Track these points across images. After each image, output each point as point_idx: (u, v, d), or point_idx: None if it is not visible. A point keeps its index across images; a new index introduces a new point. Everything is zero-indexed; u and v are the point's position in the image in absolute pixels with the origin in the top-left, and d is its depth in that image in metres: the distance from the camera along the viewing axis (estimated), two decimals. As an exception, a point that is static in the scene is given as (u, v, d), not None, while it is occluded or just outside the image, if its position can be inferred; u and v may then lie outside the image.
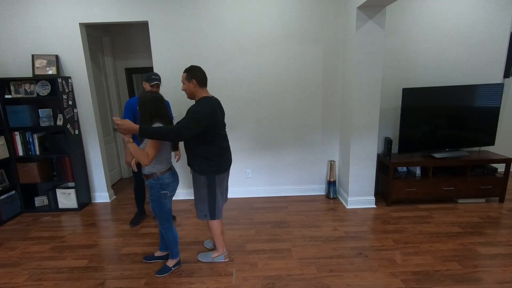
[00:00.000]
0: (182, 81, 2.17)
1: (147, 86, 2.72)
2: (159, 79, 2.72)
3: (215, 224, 2.31)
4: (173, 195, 2.20)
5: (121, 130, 1.86)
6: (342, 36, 3.34)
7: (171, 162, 2.20)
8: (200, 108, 2.05)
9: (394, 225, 2.91)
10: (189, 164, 2.24)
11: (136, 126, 1.86)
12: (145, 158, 1.92)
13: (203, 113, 2.02)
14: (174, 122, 2.15)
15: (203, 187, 2.20)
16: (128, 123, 1.86)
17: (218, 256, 2.40)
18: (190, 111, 2.04)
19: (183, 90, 2.18)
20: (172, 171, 2.16)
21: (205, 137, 2.11)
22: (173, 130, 1.92)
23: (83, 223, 3.20)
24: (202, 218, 2.29)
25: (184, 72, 2.15)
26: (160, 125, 1.97)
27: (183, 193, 3.73)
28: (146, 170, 2.08)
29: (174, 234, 2.26)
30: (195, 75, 2.12)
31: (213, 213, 2.26)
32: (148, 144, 1.96)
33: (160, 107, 2.01)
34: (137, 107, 1.96)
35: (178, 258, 2.35)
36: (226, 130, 2.31)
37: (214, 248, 2.56)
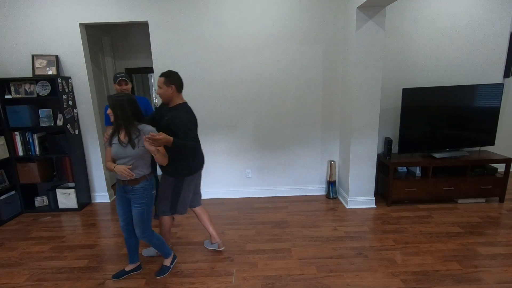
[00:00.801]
0: (158, 85, 2.17)
1: (116, 87, 2.75)
2: (124, 75, 2.75)
3: (165, 220, 2.36)
4: None
5: (160, 143, 1.89)
6: (342, 36, 3.34)
7: None
8: (190, 117, 2.15)
9: (394, 225, 2.91)
10: (161, 167, 2.23)
11: (171, 139, 1.95)
12: (166, 158, 2.05)
13: (194, 122, 2.17)
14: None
15: (169, 187, 2.24)
16: (166, 136, 1.91)
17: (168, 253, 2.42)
18: (184, 122, 2.08)
19: (158, 94, 2.19)
20: None
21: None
22: (194, 145, 2.11)
23: (83, 223, 3.20)
24: (160, 215, 2.34)
25: (162, 76, 2.15)
26: (141, 125, 1.98)
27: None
28: (139, 174, 1.99)
29: (157, 236, 2.18)
30: (174, 81, 2.15)
31: (174, 209, 2.30)
32: (162, 149, 2.01)
33: (136, 107, 1.97)
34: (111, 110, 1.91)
35: (172, 254, 2.34)
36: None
37: (223, 246, 2.59)
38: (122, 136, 1.95)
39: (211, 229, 2.53)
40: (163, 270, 2.28)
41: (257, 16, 3.29)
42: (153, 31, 3.30)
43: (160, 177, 2.33)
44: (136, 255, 2.28)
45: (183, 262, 2.42)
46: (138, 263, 2.32)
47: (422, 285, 2.07)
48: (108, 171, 2.31)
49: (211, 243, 2.58)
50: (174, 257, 2.37)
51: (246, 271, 2.28)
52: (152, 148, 1.88)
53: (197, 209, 2.51)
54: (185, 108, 2.20)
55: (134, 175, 1.95)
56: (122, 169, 1.90)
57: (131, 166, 1.95)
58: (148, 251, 2.55)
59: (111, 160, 2.02)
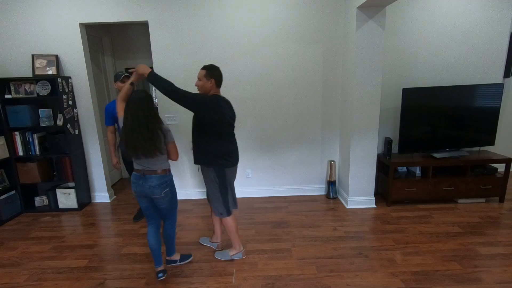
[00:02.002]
0: (198, 77, 2.18)
1: (119, 84, 2.79)
2: (126, 75, 2.81)
3: (229, 221, 2.33)
4: None
5: (137, 70, 2.07)
6: (342, 36, 3.34)
7: None
8: (202, 96, 2.12)
9: (394, 225, 2.91)
10: (196, 161, 2.26)
11: (148, 69, 2.07)
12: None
13: (201, 98, 2.09)
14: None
15: (213, 182, 2.23)
16: (143, 66, 2.08)
17: (236, 254, 2.41)
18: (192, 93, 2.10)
19: (196, 86, 2.20)
20: None
21: (210, 134, 2.14)
22: (172, 85, 2.05)
23: (83, 223, 3.20)
24: (218, 216, 2.34)
25: (204, 69, 2.17)
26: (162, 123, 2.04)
27: (183, 193, 3.72)
28: (166, 165, 2.08)
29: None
30: (214, 75, 2.16)
31: (228, 210, 2.29)
32: (173, 145, 2.07)
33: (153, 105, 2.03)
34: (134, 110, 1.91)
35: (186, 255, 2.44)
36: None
37: (221, 248, 2.57)
38: None
39: (217, 228, 2.54)
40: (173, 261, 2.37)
41: (257, 16, 3.29)
42: (153, 31, 3.30)
43: (202, 174, 2.30)
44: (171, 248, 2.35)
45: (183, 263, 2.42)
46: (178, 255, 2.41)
47: (422, 285, 2.07)
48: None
49: (211, 241, 2.59)
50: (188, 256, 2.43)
51: (246, 271, 2.28)
52: (134, 77, 2.07)
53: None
54: (214, 95, 2.15)
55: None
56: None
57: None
58: (221, 255, 2.45)
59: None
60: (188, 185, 3.72)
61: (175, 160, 2.14)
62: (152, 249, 2.17)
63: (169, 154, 2.09)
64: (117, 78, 2.82)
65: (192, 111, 2.12)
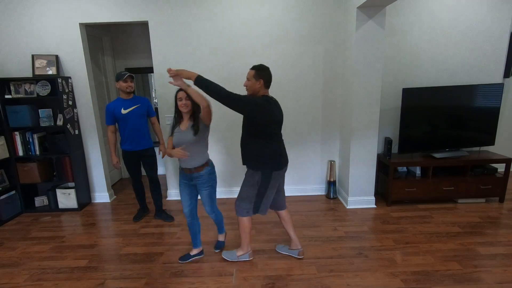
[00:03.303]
0: (247, 77, 2.15)
1: (121, 84, 2.82)
2: (130, 74, 2.85)
3: (246, 221, 2.28)
4: None
5: (182, 75, 2.00)
6: (342, 36, 3.34)
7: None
8: (253, 98, 2.06)
9: (394, 225, 2.91)
10: (244, 162, 2.22)
11: (194, 73, 1.99)
12: (203, 98, 2.07)
13: (252, 101, 2.02)
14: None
15: (254, 185, 2.18)
16: (185, 70, 2.02)
17: (243, 254, 2.39)
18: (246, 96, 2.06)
19: (245, 86, 2.17)
20: None
21: (261, 135, 2.11)
22: (223, 90, 1.95)
23: (83, 223, 3.20)
24: (243, 215, 2.27)
25: (253, 69, 2.13)
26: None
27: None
28: (204, 159, 2.24)
29: (220, 213, 2.52)
30: (263, 76, 2.12)
31: (257, 208, 2.25)
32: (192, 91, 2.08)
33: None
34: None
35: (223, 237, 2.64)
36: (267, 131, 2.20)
37: (302, 255, 2.45)
38: (184, 125, 2.20)
39: (293, 234, 2.43)
40: (219, 245, 2.59)
41: (257, 16, 3.29)
42: (153, 31, 3.30)
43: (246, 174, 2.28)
44: (198, 240, 2.46)
45: (183, 262, 2.41)
46: (201, 248, 2.49)
47: (422, 285, 2.07)
48: (168, 156, 2.42)
49: (290, 248, 2.48)
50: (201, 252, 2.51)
51: (246, 271, 2.28)
52: (179, 82, 2.05)
53: (282, 213, 2.40)
54: (264, 97, 2.11)
55: (188, 154, 2.12)
56: (177, 151, 2.09)
57: (185, 147, 2.15)
58: (229, 254, 2.43)
59: (171, 148, 2.25)
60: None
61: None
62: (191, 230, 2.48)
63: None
64: (119, 77, 2.82)
65: (244, 114, 2.08)
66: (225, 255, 2.43)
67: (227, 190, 3.72)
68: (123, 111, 2.85)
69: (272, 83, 3.40)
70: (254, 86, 2.13)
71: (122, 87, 2.83)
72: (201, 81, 1.95)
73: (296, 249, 2.44)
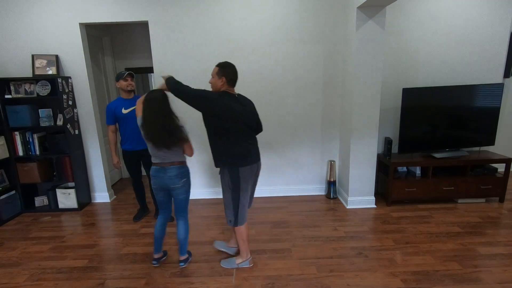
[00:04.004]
0: (212, 74, 2.14)
1: (122, 83, 2.82)
2: (130, 72, 2.85)
3: (241, 229, 2.24)
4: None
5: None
6: (342, 36, 3.34)
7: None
8: (205, 92, 2.06)
9: (394, 225, 2.91)
10: (215, 164, 2.19)
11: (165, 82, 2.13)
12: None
13: (203, 94, 2.04)
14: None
15: (227, 187, 2.15)
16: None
17: (242, 262, 2.33)
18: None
19: (210, 83, 2.16)
20: None
21: (220, 133, 2.08)
22: (179, 85, 2.09)
23: (83, 223, 3.20)
24: (228, 224, 2.25)
25: (217, 66, 2.12)
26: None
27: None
28: (182, 158, 2.23)
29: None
30: (226, 73, 2.09)
31: (236, 219, 2.20)
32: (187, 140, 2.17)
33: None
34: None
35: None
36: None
37: (236, 253, 2.48)
38: None
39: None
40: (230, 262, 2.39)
41: (257, 15, 3.29)
42: (153, 31, 3.30)
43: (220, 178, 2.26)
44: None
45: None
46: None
47: (422, 285, 2.07)
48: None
49: (228, 246, 2.51)
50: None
51: (246, 271, 2.28)
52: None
53: None
54: (223, 92, 2.09)
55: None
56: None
57: None
58: (228, 263, 2.37)
59: None
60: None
61: (190, 156, 2.24)
62: (156, 237, 2.34)
63: (184, 149, 2.20)
64: (119, 76, 2.83)
65: (198, 110, 2.04)
66: (224, 264, 2.37)
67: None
68: (124, 111, 2.85)
69: (272, 83, 3.45)
70: (217, 84, 2.12)
71: (122, 86, 2.83)
72: (168, 82, 2.12)
73: (234, 247, 2.51)
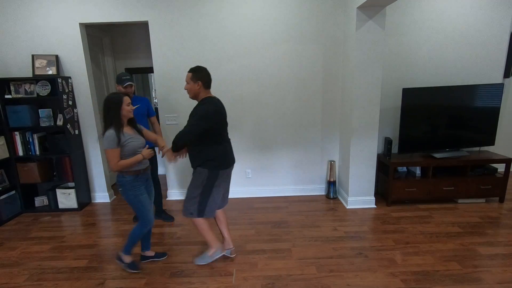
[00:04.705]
0: (186, 80, 2.16)
1: (120, 88, 2.78)
2: (130, 79, 2.79)
3: (200, 221, 2.25)
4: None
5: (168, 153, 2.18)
6: (342, 36, 3.34)
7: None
8: (208, 107, 2.09)
9: (394, 225, 2.91)
10: (192, 164, 2.23)
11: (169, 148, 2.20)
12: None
13: (213, 111, 2.08)
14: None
15: (199, 185, 2.17)
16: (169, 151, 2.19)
17: (214, 251, 2.36)
18: (195, 114, 2.09)
19: (185, 89, 2.17)
20: None
21: (211, 138, 2.13)
22: (183, 132, 2.06)
23: (83, 223, 3.20)
24: (187, 216, 2.25)
25: (190, 71, 2.14)
26: (112, 131, 1.99)
27: (180, 193, 3.72)
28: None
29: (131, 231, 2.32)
30: (201, 77, 2.12)
31: (202, 211, 2.20)
32: (106, 152, 2.03)
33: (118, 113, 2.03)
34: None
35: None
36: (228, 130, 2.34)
37: (232, 253, 2.48)
38: (130, 131, 2.12)
39: (226, 234, 2.45)
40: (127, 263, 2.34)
41: (257, 16, 3.29)
42: (153, 31, 3.30)
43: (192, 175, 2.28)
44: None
45: (183, 262, 2.42)
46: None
47: (422, 285, 2.07)
48: (132, 164, 2.07)
49: (223, 248, 2.50)
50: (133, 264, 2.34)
51: (246, 271, 2.28)
52: (172, 156, 2.19)
53: (218, 212, 2.43)
54: (208, 99, 2.14)
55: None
56: (149, 152, 2.10)
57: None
58: (201, 259, 2.39)
59: (121, 159, 2.04)
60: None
61: (110, 170, 2.14)
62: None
63: None
64: (119, 82, 2.77)
65: (210, 130, 2.10)
66: (198, 261, 2.38)
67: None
68: None
69: (272, 83, 3.45)
70: (194, 89, 2.14)
71: (120, 91, 2.80)
72: (174, 146, 2.13)
73: (228, 248, 2.46)
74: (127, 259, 2.32)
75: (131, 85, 2.81)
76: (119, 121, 2.03)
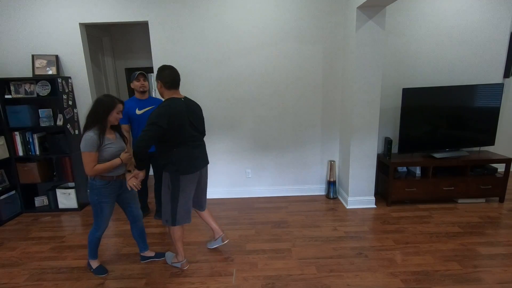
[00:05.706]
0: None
1: (135, 83, 2.82)
2: (142, 73, 2.83)
3: (176, 230, 2.23)
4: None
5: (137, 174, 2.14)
6: (342, 36, 3.34)
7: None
8: (156, 113, 1.97)
9: (394, 225, 2.91)
10: (153, 166, 2.22)
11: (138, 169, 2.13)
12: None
13: (163, 114, 1.96)
14: None
15: (167, 189, 2.13)
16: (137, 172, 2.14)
17: (176, 263, 2.34)
18: (149, 117, 1.99)
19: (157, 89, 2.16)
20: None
21: (170, 140, 2.04)
22: (137, 145, 1.96)
23: (83, 223, 3.19)
24: (164, 224, 2.24)
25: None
26: (93, 134, 1.96)
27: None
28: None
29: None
30: (160, 77, 2.05)
31: (175, 219, 2.17)
32: (83, 155, 2.00)
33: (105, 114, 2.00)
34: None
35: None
36: (203, 132, 2.26)
37: (224, 240, 2.52)
38: (112, 135, 2.09)
39: (214, 225, 2.50)
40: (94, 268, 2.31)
41: (257, 15, 3.29)
42: (153, 31, 3.30)
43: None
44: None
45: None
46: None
47: (422, 285, 2.07)
48: (109, 169, 2.03)
49: (215, 239, 2.54)
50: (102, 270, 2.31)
51: (246, 271, 2.28)
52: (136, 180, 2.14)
53: (203, 213, 2.48)
54: (167, 101, 2.03)
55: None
56: (127, 156, 2.08)
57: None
58: (169, 258, 2.42)
59: (98, 163, 2.00)
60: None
61: (86, 173, 2.06)
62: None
63: None
64: (132, 77, 2.84)
65: (164, 133, 2.00)
66: (167, 255, 2.44)
67: (228, 190, 3.72)
68: (138, 112, 2.83)
69: (272, 83, 3.45)
70: (159, 89, 2.11)
71: (136, 86, 2.83)
72: (139, 164, 2.08)
73: (219, 236, 2.51)
74: (94, 264, 2.31)
75: (142, 74, 2.82)
76: (103, 125, 1.98)
